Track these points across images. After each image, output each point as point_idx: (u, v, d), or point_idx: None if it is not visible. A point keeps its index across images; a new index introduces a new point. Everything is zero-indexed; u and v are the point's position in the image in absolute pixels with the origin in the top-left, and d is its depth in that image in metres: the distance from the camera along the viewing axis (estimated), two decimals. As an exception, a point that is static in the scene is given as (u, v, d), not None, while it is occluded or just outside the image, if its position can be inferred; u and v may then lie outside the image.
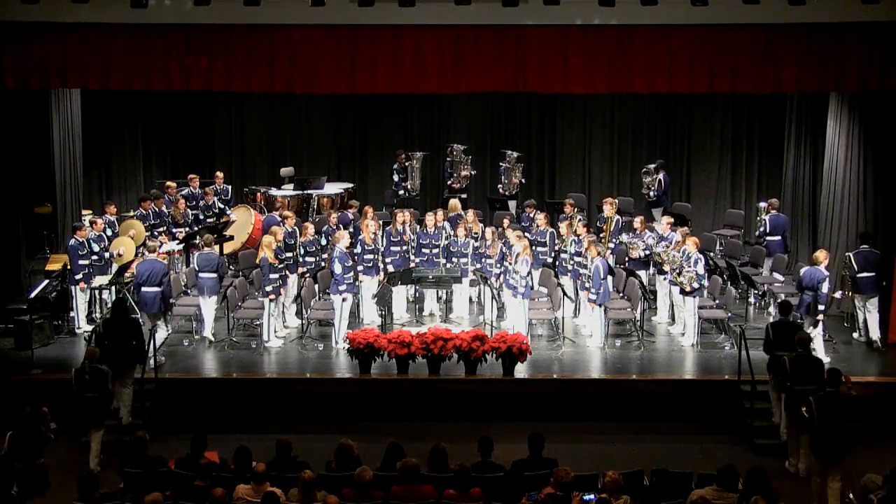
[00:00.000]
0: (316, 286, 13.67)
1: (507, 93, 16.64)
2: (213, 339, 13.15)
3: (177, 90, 13.52)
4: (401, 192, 17.00)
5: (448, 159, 17.13)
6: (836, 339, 13.17)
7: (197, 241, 14.56)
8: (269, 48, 12.88)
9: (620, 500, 7.90)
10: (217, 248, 13.88)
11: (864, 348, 13.04)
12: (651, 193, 16.69)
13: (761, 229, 15.00)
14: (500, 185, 16.99)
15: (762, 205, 15.61)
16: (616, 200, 15.10)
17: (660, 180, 16.65)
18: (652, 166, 16.82)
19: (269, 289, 12.98)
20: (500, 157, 17.17)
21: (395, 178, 17.12)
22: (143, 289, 12.59)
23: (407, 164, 17.02)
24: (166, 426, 11.31)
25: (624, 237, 14.52)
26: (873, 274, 12.97)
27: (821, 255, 12.34)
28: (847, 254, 13.32)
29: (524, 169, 17.21)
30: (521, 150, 17.49)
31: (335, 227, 14.40)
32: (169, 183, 16.39)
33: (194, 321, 13.46)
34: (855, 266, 12.92)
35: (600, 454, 10.90)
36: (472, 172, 17.28)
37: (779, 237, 14.69)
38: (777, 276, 14.03)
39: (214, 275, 13.15)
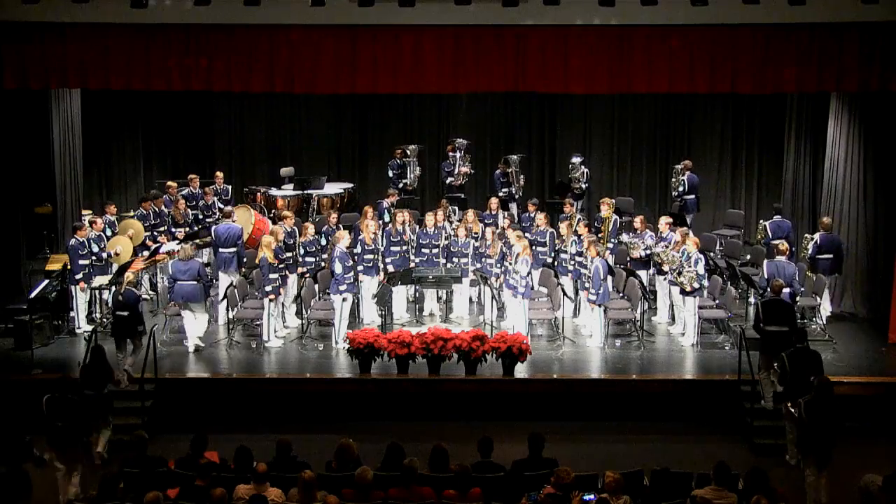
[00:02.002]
0: (316, 286, 13.67)
1: (506, 93, 16.65)
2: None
3: (177, 90, 13.50)
4: (399, 186, 16.99)
5: (452, 154, 17.06)
6: (837, 338, 13.17)
7: (198, 242, 14.58)
8: (269, 48, 12.88)
9: (620, 501, 7.90)
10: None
11: (863, 348, 13.03)
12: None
13: (680, 189, 15.95)
14: (502, 189, 16.91)
15: (678, 166, 16.33)
16: (613, 201, 15.09)
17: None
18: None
19: (269, 289, 12.99)
20: (504, 162, 17.06)
21: (390, 173, 17.11)
22: (221, 250, 13.26)
23: (403, 160, 17.01)
24: (166, 426, 11.32)
25: (624, 237, 14.52)
26: (831, 256, 13.51)
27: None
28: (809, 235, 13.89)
29: (523, 168, 17.22)
30: (521, 150, 17.49)
31: (335, 227, 14.40)
32: (169, 183, 16.40)
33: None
34: (819, 246, 13.51)
35: (600, 454, 10.91)
36: (471, 171, 17.26)
37: (693, 196, 15.65)
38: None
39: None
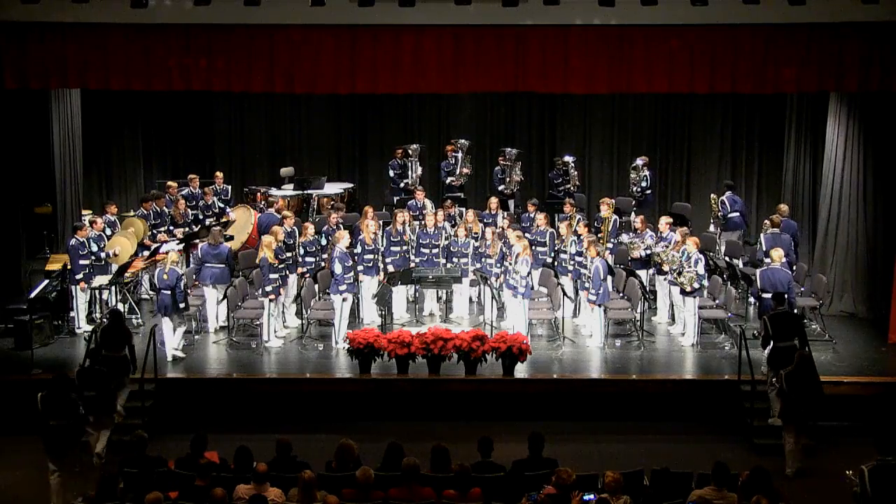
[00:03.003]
0: (316, 286, 13.66)
1: (507, 92, 16.65)
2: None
3: (177, 90, 13.50)
4: (400, 185, 16.99)
5: (453, 154, 17.06)
6: (837, 338, 13.17)
7: (198, 241, 14.57)
8: (269, 48, 12.87)
9: (620, 501, 7.90)
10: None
11: (863, 348, 13.03)
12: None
13: (643, 185, 16.57)
14: (500, 185, 16.95)
15: (639, 162, 16.84)
16: (613, 201, 15.10)
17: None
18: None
19: (269, 289, 12.99)
20: (499, 154, 17.15)
21: (391, 173, 17.11)
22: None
23: (404, 159, 17.01)
24: (166, 426, 11.31)
25: (625, 237, 14.51)
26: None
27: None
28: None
29: (523, 168, 17.23)
30: (521, 149, 17.48)
31: (335, 227, 14.41)
32: (169, 183, 16.39)
33: (194, 321, 13.46)
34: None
35: (600, 454, 10.91)
36: (471, 171, 17.26)
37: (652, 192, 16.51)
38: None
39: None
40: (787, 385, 10.34)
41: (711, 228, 15.99)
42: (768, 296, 11.90)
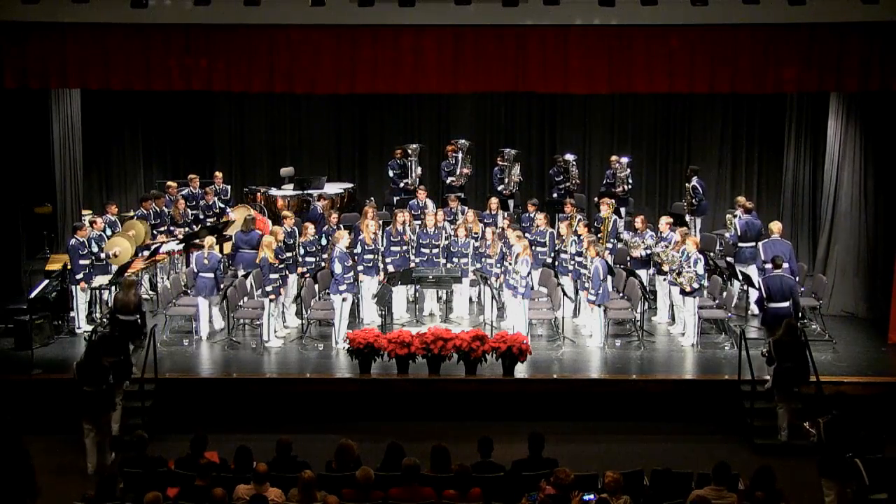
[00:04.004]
0: (316, 286, 13.66)
1: (506, 92, 16.63)
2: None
3: (177, 90, 13.51)
4: (400, 185, 16.98)
5: (454, 154, 17.06)
6: (837, 338, 13.17)
7: (197, 242, 14.57)
8: (269, 48, 12.87)
9: (620, 501, 7.90)
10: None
11: (863, 348, 13.03)
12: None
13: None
14: (499, 185, 16.94)
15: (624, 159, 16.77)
16: (612, 201, 15.09)
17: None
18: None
19: (269, 289, 13.00)
20: (497, 155, 17.15)
21: (391, 173, 17.11)
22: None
23: (404, 159, 17.01)
24: (166, 426, 11.31)
25: (626, 235, 14.52)
26: (753, 245, 13.94)
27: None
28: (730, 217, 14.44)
29: (523, 168, 17.22)
30: (521, 149, 17.47)
31: (335, 227, 14.41)
32: (169, 183, 16.39)
33: (194, 321, 13.47)
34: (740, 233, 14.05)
35: (600, 454, 10.91)
36: (471, 171, 17.26)
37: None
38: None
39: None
40: (774, 352, 10.83)
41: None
42: (775, 305, 11.84)
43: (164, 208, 15.45)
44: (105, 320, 12.98)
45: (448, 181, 17.07)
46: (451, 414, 11.78)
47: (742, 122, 17.54)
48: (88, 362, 10.66)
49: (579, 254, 13.52)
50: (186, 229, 15.34)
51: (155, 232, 15.09)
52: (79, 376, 10.60)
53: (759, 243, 13.42)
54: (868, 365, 12.45)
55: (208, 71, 12.92)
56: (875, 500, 8.42)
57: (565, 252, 14.01)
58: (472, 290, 14.47)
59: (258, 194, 17.03)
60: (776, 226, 13.44)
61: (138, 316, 12.26)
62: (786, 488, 8.61)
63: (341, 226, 14.63)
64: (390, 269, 13.96)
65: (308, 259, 14.07)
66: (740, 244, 14.16)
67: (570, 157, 17.09)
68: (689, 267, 12.75)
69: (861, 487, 8.68)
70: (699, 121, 17.87)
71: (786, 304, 12.09)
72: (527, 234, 13.95)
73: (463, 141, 17.12)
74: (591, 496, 7.73)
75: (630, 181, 16.87)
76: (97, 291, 13.78)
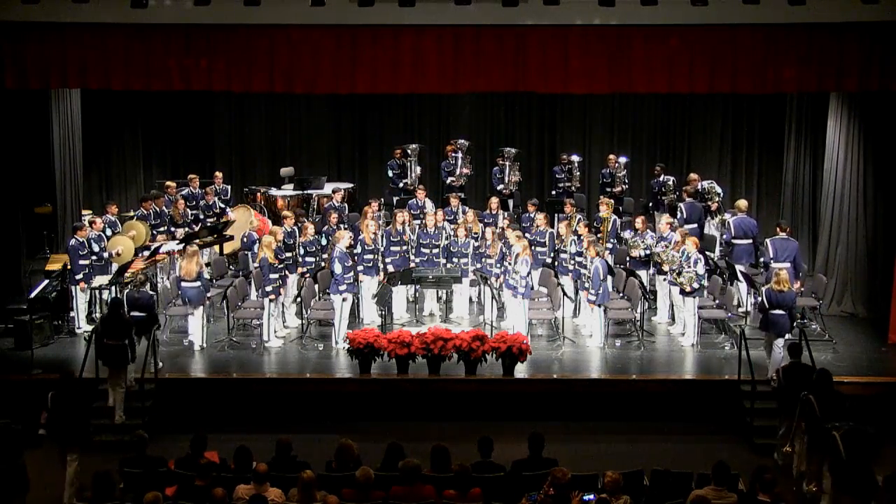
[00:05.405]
0: (316, 286, 13.66)
1: (507, 92, 16.63)
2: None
3: (177, 90, 13.50)
4: (400, 185, 16.98)
5: (453, 154, 17.06)
6: (837, 338, 13.18)
7: (198, 242, 14.57)
8: (269, 48, 12.86)
9: (620, 501, 7.90)
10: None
11: (863, 348, 13.03)
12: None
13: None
14: (499, 185, 16.93)
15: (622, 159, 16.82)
16: (612, 201, 15.08)
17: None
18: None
19: (269, 289, 13.00)
20: (497, 154, 17.15)
21: (390, 173, 17.11)
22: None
23: (403, 159, 17.00)
24: (166, 426, 11.32)
25: (627, 234, 14.51)
26: (749, 241, 14.12)
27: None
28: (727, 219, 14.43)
29: (523, 168, 17.21)
30: (521, 149, 17.47)
31: (335, 227, 14.41)
32: (169, 183, 16.38)
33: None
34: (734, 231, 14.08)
35: (600, 454, 10.91)
36: (471, 171, 17.25)
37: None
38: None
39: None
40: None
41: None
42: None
43: (163, 208, 15.44)
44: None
45: (448, 181, 17.06)
46: (451, 414, 11.78)
47: (742, 122, 17.53)
48: (111, 317, 11.30)
49: (579, 254, 13.52)
50: (186, 229, 15.33)
51: (155, 232, 15.09)
52: (102, 329, 11.28)
53: (768, 240, 13.46)
54: (868, 365, 12.45)
55: (208, 71, 12.92)
56: (826, 428, 9.22)
57: (565, 252, 14.01)
58: (472, 290, 14.47)
59: (258, 194, 17.03)
60: (742, 203, 13.87)
61: (146, 313, 12.01)
62: (785, 489, 8.62)
63: (342, 226, 14.63)
64: (390, 269, 13.96)
65: (308, 259, 14.07)
66: (734, 241, 14.21)
67: (576, 157, 17.07)
68: (689, 267, 12.76)
69: (813, 420, 9.61)
70: (699, 121, 17.87)
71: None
72: (527, 234, 13.95)
73: (463, 141, 17.11)
74: (591, 496, 7.73)
75: (626, 181, 16.90)
76: (97, 291, 13.77)
